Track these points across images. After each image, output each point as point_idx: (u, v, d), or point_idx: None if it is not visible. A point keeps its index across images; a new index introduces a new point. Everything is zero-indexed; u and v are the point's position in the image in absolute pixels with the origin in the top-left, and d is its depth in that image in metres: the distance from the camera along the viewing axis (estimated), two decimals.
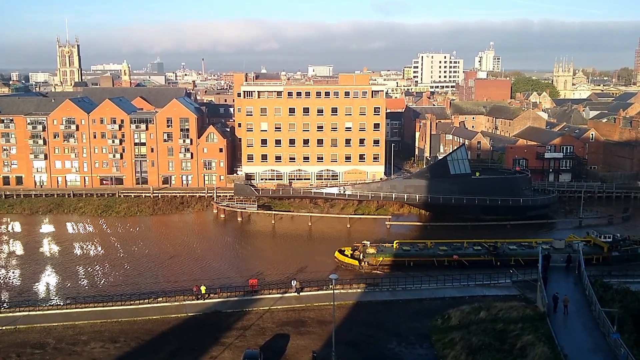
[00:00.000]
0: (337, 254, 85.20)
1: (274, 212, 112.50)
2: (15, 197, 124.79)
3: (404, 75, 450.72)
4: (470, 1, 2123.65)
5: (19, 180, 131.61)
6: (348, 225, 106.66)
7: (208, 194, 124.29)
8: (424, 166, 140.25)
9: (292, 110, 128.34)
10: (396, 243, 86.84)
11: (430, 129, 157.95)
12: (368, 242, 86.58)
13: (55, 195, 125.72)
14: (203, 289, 68.83)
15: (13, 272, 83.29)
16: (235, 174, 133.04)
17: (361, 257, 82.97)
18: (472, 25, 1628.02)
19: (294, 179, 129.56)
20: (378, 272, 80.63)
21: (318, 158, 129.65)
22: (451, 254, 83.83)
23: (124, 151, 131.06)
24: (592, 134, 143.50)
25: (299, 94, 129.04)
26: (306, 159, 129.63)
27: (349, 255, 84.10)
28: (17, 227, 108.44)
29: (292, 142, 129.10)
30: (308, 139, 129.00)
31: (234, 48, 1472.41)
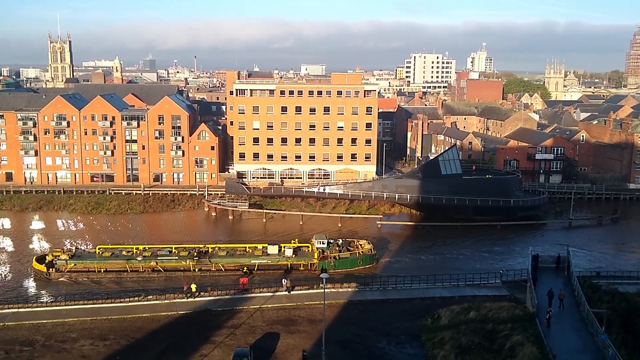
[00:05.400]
0: (34, 260, 79.90)
1: (265, 211, 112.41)
2: (4, 193, 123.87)
3: (396, 75, 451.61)
4: (495, 2, 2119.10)
5: (9, 177, 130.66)
6: (339, 225, 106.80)
7: (199, 192, 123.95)
8: (416, 166, 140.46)
9: (284, 109, 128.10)
10: (98, 248, 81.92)
11: (422, 129, 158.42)
12: (74, 248, 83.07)
13: (46, 192, 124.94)
14: (193, 287, 68.76)
15: (2, 269, 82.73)
16: (226, 172, 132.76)
17: (56, 263, 78.04)
18: (494, 26, 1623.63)
19: (285, 178, 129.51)
20: (64, 280, 76.80)
21: (310, 157, 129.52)
22: (150, 260, 78.79)
23: (114, 148, 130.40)
24: (582, 136, 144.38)
25: (291, 92, 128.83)
26: (298, 157, 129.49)
27: (45, 262, 78.28)
28: (6, 223, 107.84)
29: (284, 140, 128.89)
30: (300, 138, 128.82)
31: (248, 46, 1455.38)
